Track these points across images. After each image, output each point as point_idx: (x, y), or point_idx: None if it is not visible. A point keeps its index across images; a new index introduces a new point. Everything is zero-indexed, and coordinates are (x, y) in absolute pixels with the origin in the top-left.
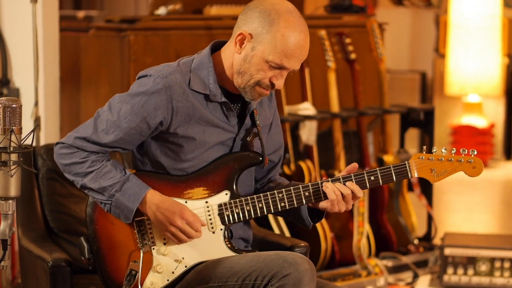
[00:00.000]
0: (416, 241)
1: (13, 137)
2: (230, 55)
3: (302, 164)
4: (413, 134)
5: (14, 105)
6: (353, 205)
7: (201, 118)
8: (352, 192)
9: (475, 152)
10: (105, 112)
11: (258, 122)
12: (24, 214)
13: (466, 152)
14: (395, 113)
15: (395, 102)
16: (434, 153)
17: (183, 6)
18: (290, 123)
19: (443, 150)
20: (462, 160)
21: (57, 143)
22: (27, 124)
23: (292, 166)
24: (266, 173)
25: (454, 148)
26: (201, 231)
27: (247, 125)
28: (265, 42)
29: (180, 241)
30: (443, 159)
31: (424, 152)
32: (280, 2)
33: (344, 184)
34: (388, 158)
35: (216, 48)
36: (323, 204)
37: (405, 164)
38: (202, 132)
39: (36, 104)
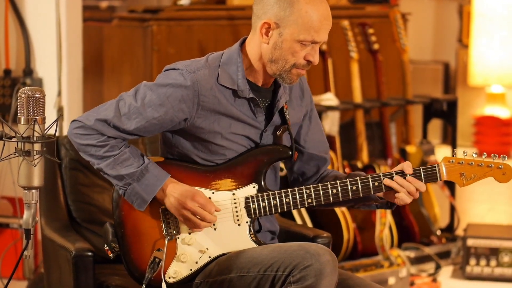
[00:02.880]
0: (438, 232)
1: (36, 127)
2: (256, 47)
3: None
4: (436, 125)
5: (37, 95)
6: None
7: (227, 113)
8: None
9: (506, 158)
10: (129, 96)
11: (288, 117)
12: (47, 204)
13: (497, 157)
14: (418, 103)
15: (418, 93)
16: (465, 156)
17: None
18: None
19: (473, 155)
20: (493, 165)
21: (74, 121)
22: (50, 114)
23: None
24: (316, 170)
25: (484, 153)
26: (215, 215)
27: (275, 121)
28: (291, 24)
29: (194, 225)
30: (473, 163)
31: (454, 155)
32: None
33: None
34: (411, 149)
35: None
36: (391, 199)
37: (434, 167)
38: (228, 127)
39: (59, 94)
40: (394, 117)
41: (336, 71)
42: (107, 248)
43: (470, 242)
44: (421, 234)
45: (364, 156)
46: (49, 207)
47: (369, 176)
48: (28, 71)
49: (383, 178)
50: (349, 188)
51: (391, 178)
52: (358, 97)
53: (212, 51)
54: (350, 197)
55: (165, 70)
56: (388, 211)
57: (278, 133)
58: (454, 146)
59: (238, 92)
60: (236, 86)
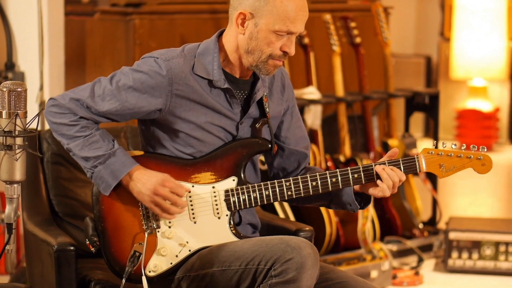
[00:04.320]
0: (421, 225)
1: (18, 121)
2: (232, 38)
3: None
4: (418, 118)
5: (19, 89)
6: None
7: (202, 103)
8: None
9: (485, 149)
10: (105, 80)
11: (268, 110)
12: (29, 198)
13: (476, 149)
14: (400, 97)
15: (400, 86)
16: (444, 148)
17: None
18: None
19: (453, 146)
20: (472, 156)
21: (50, 98)
22: (32, 108)
23: None
24: (297, 165)
25: (464, 144)
26: (185, 198)
27: (251, 114)
28: (266, 14)
29: (166, 210)
30: (452, 154)
31: (434, 147)
32: None
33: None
34: (393, 142)
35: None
36: (372, 191)
37: (414, 158)
38: (204, 117)
39: (41, 88)
40: (376, 111)
41: (318, 64)
42: (88, 242)
43: (452, 235)
44: (403, 227)
45: (347, 149)
46: (31, 202)
47: (349, 168)
48: (10, 65)
49: (366, 167)
50: (329, 180)
51: (372, 169)
52: (340, 91)
53: None
54: (330, 189)
55: (143, 58)
56: (371, 205)
57: (257, 125)
58: (436, 139)
59: (213, 82)
60: (212, 76)
